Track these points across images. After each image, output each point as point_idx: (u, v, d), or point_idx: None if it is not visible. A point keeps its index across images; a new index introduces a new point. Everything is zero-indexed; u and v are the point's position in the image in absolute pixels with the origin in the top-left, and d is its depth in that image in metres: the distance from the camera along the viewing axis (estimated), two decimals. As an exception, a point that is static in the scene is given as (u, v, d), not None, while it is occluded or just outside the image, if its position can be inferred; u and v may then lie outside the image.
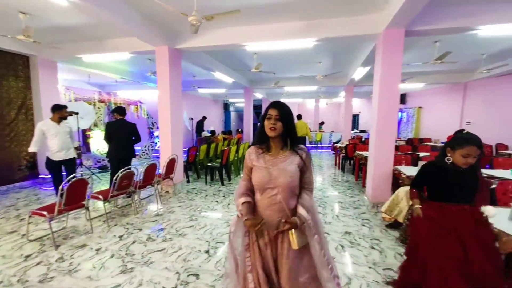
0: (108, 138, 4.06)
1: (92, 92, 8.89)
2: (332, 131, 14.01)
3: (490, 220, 1.59)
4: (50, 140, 3.58)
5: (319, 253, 1.26)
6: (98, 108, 6.83)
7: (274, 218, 1.29)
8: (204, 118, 11.26)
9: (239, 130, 10.83)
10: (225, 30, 4.24)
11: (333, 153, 9.01)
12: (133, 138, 4.21)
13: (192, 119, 11.23)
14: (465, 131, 1.66)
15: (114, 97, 7.52)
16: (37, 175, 5.43)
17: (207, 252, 2.61)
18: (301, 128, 7.38)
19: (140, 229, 3.13)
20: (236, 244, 1.35)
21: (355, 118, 15.76)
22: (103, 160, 6.73)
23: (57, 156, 3.63)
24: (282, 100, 12.23)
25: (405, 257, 1.98)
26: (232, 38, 4.23)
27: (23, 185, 5.13)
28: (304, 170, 1.33)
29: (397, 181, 3.77)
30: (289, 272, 1.27)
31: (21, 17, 3.67)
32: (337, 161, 7.66)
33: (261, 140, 1.35)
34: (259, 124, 1.37)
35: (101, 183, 5.39)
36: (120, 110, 4.20)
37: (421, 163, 3.66)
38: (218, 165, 5.42)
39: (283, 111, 1.29)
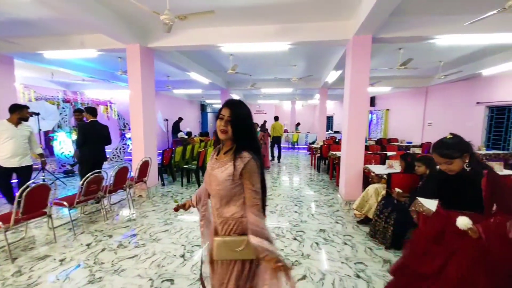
0: (82, 141, 3.80)
1: (56, 91, 8.27)
2: (308, 132, 14.40)
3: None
4: (1, 144, 3.20)
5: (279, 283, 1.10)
6: (63, 108, 6.36)
7: (207, 225, 1.27)
8: (180, 119, 10.97)
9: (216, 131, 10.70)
10: (199, 30, 4.19)
11: (309, 154, 9.27)
12: (105, 140, 4.01)
13: (167, 120, 10.88)
14: (447, 137, 1.50)
15: (81, 96, 7.04)
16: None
17: (182, 256, 2.54)
18: (279, 128, 8.30)
19: (110, 236, 2.97)
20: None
21: (330, 120, 16.38)
22: (68, 164, 6.28)
23: (8, 163, 3.24)
24: (259, 101, 12.35)
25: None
26: (207, 39, 4.20)
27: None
28: (244, 184, 1.13)
29: (367, 179, 3.98)
30: (211, 279, 1.25)
31: (-30, 7, 3.33)
32: (313, 161, 7.90)
33: (217, 140, 1.24)
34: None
35: (66, 188, 5.02)
36: (92, 111, 3.97)
37: (388, 162, 3.92)
38: (195, 167, 5.32)
39: (235, 113, 1.12)
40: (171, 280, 2.15)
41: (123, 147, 7.99)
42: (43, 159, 3.78)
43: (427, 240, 1.51)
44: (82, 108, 4.82)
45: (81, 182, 2.95)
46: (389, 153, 5.38)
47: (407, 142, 8.90)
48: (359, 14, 3.44)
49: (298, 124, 14.76)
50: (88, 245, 2.76)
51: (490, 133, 7.22)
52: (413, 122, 9.77)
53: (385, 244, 2.74)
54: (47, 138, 6.57)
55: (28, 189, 2.40)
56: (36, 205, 2.56)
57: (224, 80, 9.28)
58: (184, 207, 1.43)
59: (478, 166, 1.43)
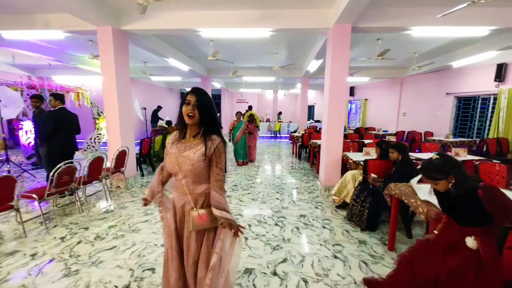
0: (53, 130, 3.53)
1: (19, 76, 7.60)
2: (290, 121, 14.56)
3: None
4: None
5: (229, 246, 1.35)
6: (28, 95, 5.87)
7: (180, 200, 1.36)
8: (159, 107, 10.56)
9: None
10: (177, 13, 3.99)
11: (291, 142, 9.41)
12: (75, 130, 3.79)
13: (145, 108, 10.45)
14: (433, 157, 1.51)
15: (48, 82, 6.53)
16: None
17: (163, 245, 2.52)
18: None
19: (87, 228, 2.86)
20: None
21: (311, 109, 16.65)
22: (35, 155, 5.88)
23: None
24: (241, 90, 12.24)
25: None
26: (185, 23, 4.01)
27: None
28: (212, 163, 1.30)
29: (345, 166, 4.13)
30: (188, 251, 1.35)
31: None
32: (295, 150, 8.04)
33: (181, 125, 1.34)
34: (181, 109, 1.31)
35: (36, 181, 4.71)
36: (61, 97, 3.71)
37: (365, 149, 4.08)
38: (175, 156, 5.21)
39: (201, 99, 1.26)
40: (153, 269, 2.13)
41: (97, 136, 7.60)
42: None
43: (438, 247, 1.52)
44: (43, 94, 4.47)
45: (52, 173, 2.78)
46: (366, 141, 5.60)
47: (384, 131, 9.32)
48: (339, 3, 3.45)
49: (280, 113, 14.85)
50: (62, 238, 2.64)
51: (457, 122, 7.74)
52: (389, 112, 10.20)
53: (360, 226, 2.89)
54: (11, 128, 6.07)
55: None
56: (0, 198, 2.38)
57: (205, 68, 9.02)
58: (147, 201, 1.54)
59: (465, 186, 1.39)
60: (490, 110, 6.74)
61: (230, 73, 8.18)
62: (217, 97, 16.18)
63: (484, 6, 3.49)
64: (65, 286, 1.92)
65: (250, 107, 8.62)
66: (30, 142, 5.83)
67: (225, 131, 11.29)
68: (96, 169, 3.50)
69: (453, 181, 1.41)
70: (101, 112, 7.49)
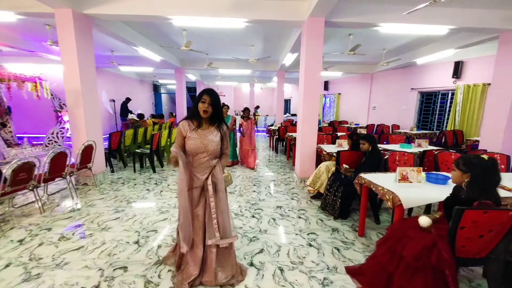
0: None
1: (-38, 63, 6.70)
2: (267, 115, 14.64)
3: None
4: None
5: (225, 200, 1.84)
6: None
7: (202, 173, 1.78)
8: (128, 99, 9.89)
9: (173, 114, 10.10)
10: (147, -2, 3.75)
11: (268, 136, 9.48)
12: None
13: (114, 101, 9.84)
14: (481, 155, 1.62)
15: (-1, 70, 5.84)
16: None
17: (136, 242, 2.42)
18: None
19: (49, 229, 2.65)
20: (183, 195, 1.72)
21: (287, 103, 16.86)
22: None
23: None
24: (217, 82, 12.02)
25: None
26: (155, 9, 3.78)
27: None
28: (222, 142, 1.82)
29: (320, 157, 4.27)
30: (209, 208, 1.79)
31: None
32: (271, 143, 8.12)
33: (194, 116, 1.75)
34: (194, 103, 1.74)
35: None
36: None
37: (338, 141, 4.24)
38: (148, 151, 4.99)
39: (214, 98, 1.70)
40: (124, 268, 2.04)
41: (60, 130, 7.02)
42: None
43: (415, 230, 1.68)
44: None
45: (5, 170, 2.51)
46: (339, 134, 5.82)
47: (355, 124, 9.75)
48: (313, -4, 3.47)
49: (258, 107, 14.85)
50: (20, 241, 2.42)
51: (420, 116, 8.34)
52: (360, 106, 10.69)
53: (334, 215, 3.02)
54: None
55: None
56: None
57: (178, 58, 8.67)
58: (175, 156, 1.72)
59: (473, 191, 1.52)
60: (448, 104, 7.34)
61: (205, 64, 7.97)
62: (192, 89, 15.71)
63: (444, 6, 3.76)
64: (25, 292, 1.78)
65: (257, 107, 7.88)
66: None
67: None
68: (58, 166, 3.24)
69: (466, 180, 1.56)
70: (64, 104, 6.90)
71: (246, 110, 5.68)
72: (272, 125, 9.83)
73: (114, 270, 2.01)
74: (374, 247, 2.22)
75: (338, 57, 7.77)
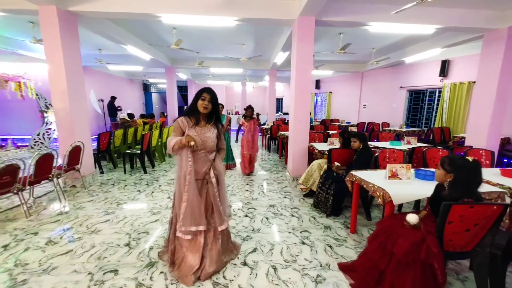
0: None
1: None
2: (259, 114, 14.62)
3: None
4: None
5: (224, 190, 2.01)
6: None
7: (202, 167, 1.88)
8: (113, 98, 9.59)
9: (164, 113, 9.97)
10: (134, -5, 3.67)
11: (261, 135, 9.48)
12: None
13: (102, 100, 9.62)
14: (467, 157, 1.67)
15: (-21, 70, 5.61)
16: None
17: (127, 245, 2.38)
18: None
19: (36, 233, 2.57)
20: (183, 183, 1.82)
21: (279, 102, 16.90)
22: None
23: None
24: (209, 81, 11.89)
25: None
26: (143, 6, 3.70)
27: None
28: (219, 137, 1.95)
29: (312, 156, 4.30)
30: (214, 198, 1.93)
31: None
32: (264, 142, 8.12)
33: (192, 113, 1.85)
34: (193, 101, 1.85)
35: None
36: None
37: (329, 139, 4.27)
38: (139, 151, 4.91)
39: (213, 96, 1.83)
40: (115, 271, 2.00)
41: (47, 131, 6.82)
42: None
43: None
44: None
45: (-12, 173, 2.42)
46: (331, 132, 5.88)
47: (346, 122, 9.87)
48: (304, -6, 3.48)
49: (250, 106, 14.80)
50: (5, 246, 2.33)
51: (409, 113, 8.52)
52: (351, 104, 10.82)
53: (326, 213, 3.05)
54: None
55: None
56: None
57: (168, 57, 8.55)
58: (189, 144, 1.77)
59: (456, 191, 1.57)
60: (436, 102, 7.53)
61: (196, 63, 7.89)
62: (183, 89, 15.53)
63: (431, 5, 3.83)
64: (10, 299, 1.71)
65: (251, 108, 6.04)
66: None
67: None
68: (45, 168, 3.14)
69: (449, 179, 1.62)
70: (50, 104, 6.70)
71: (249, 108, 4.94)
72: (264, 124, 9.83)
73: (104, 273, 1.97)
74: (365, 243, 2.25)
75: (329, 56, 7.84)
